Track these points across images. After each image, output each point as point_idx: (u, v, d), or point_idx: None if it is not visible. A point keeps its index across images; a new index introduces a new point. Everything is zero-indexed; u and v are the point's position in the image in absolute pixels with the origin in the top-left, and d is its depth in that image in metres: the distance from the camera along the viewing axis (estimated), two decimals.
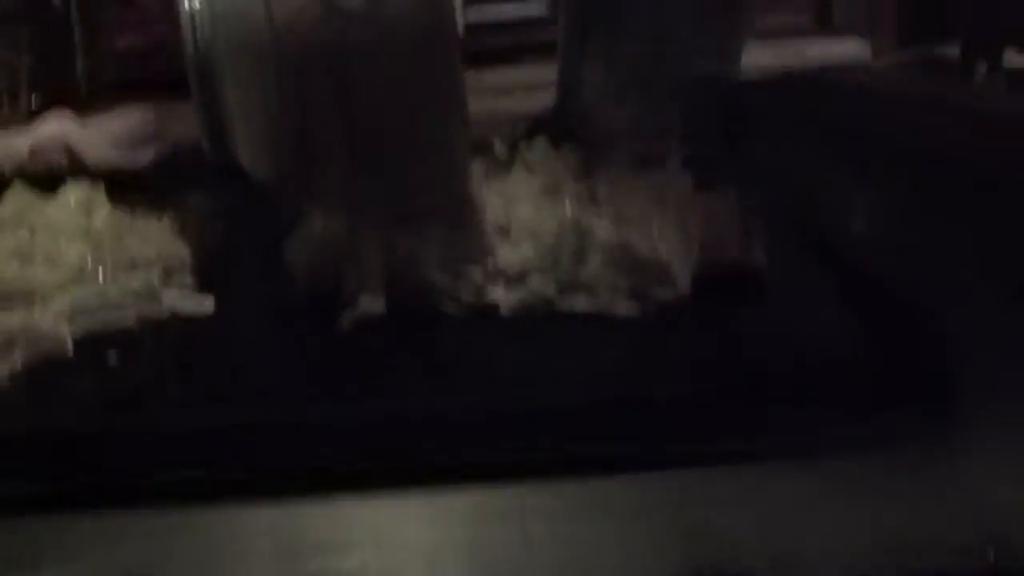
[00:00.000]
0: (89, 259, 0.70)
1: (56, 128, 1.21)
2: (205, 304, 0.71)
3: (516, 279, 0.64)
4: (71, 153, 1.13)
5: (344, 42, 0.61)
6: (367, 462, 0.55)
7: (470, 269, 0.66)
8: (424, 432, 0.56)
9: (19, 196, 0.80)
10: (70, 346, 0.63)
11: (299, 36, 0.61)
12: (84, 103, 4.63)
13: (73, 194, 0.80)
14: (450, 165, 0.66)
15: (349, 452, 0.56)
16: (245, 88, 0.63)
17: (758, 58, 1.64)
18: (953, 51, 2.17)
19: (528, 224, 0.68)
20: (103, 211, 0.78)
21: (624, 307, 0.63)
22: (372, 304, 0.67)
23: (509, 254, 0.66)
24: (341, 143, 0.64)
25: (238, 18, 0.63)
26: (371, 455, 0.55)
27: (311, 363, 0.67)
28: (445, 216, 0.68)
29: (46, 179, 0.97)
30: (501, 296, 0.64)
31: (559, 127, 0.94)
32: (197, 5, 0.64)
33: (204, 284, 0.73)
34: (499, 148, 0.79)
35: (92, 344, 0.64)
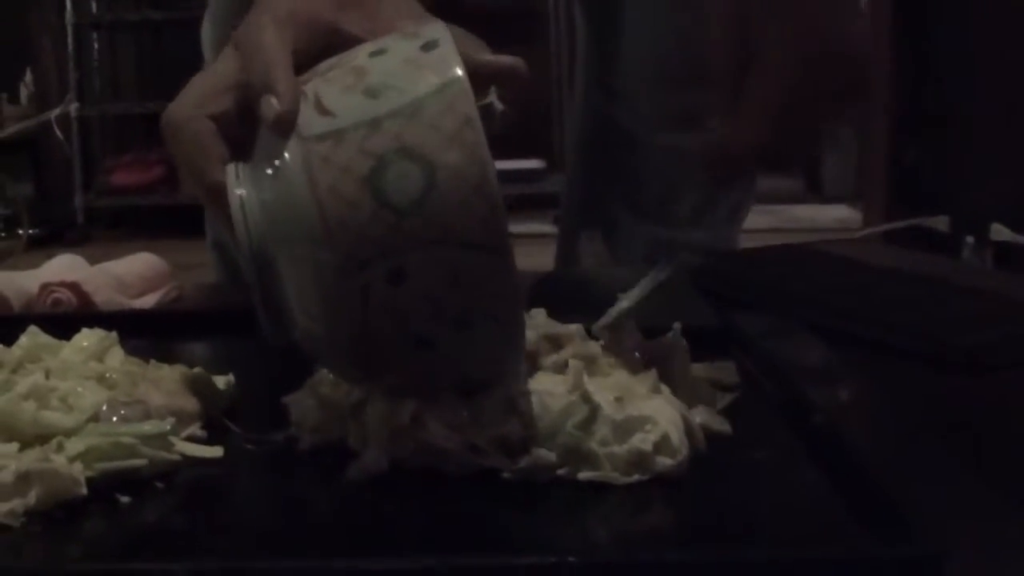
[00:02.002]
0: (104, 404, 0.72)
1: (66, 268, 1.24)
2: (215, 452, 0.73)
3: (520, 447, 0.66)
4: (80, 293, 1.16)
5: (396, 237, 0.62)
6: None
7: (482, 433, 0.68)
8: None
9: (35, 337, 0.82)
10: (84, 487, 0.65)
11: (351, 232, 0.62)
12: (81, 237, 4.66)
13: (87, 339, 0.82)
14: (505, 346, 0.69)
15: None
16: (301, 280, 0.65)
17: (752, 222, 1.69)
18: (942, 223, 2.22)
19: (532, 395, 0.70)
20: (116, 356, 0.80)
21: (625, 477, 0.65)
22: (376, 461, 0.69)
23: (513, 423, 0.68)
24: (398, 332, 0.65)
25: (288, 210, 0.64)
26: None
27: (311, 515, 0.69)
28: (493, 386, 0.70)
29: (57, 320, 1.00)
30: (504, 462, 0.66)
31: (559, 295, 0.97)
32: (245, 194, 0.66)
33: (214, 432, 0.75)
34: None
35: (105, 486, 0.66)
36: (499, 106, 0.95)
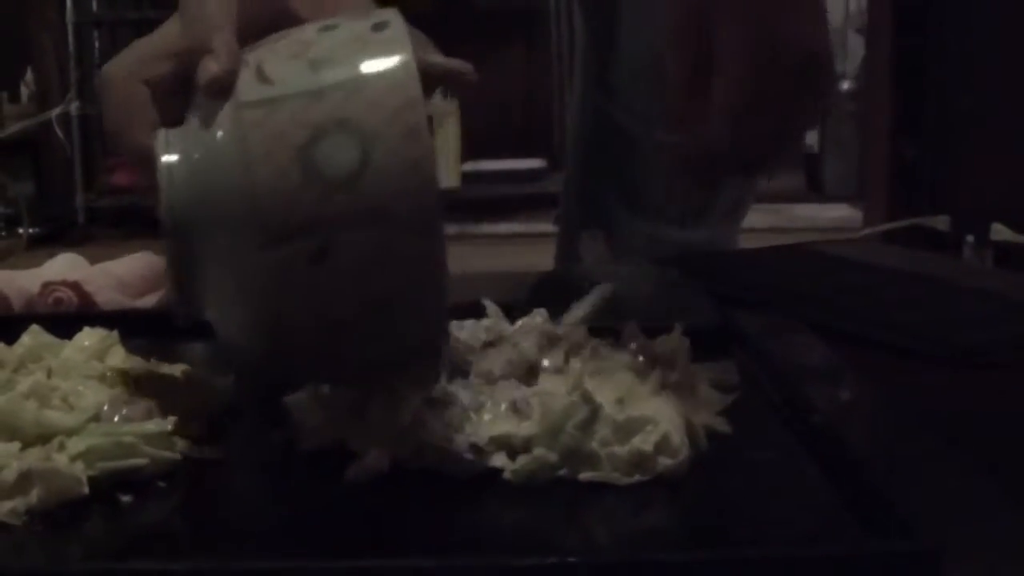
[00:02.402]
0: (105, 403, 0.72)
1: (67, 268, 1.24)
2: (216, 451, 0.73)
3: (521, 447, 0.66)
4: (81, 293, 1.16)
5: (323, 212, 0.61)
6: None
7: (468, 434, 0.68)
8: None
9: (36, 337, 0.82)
10: (85, 486, 0.65)
11: (278, 202, 0.61)
12: (82, 236, 4.67)
13: (88, 338, 0.82)
14: (424, 336, 0.67)
15: None
16: (220, 255, 0.63)
17: (752, 221, 1.69)
18: (942, 222, 2.22)
19: (533, 395, 0.70)
20: (118, 356, 0.80)
21: (626, 477, 0.65)
22: (377, 461, 0.69)
23: (514, 424, 0.68)
24: (313, 313, 0.64)
25: (216, 177, 0.62)
26: None
27: (312, 515, 0.69)
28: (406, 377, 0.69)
29: (58, 319, 1.00)
30: (504, 461, 0.66)
31: (558, 294, 0.97)
32: (173, 160, 0.64)
33: (214, 431, 0.75)
34: (497, 316, 0.81)
35: (107, 485, 0.66)
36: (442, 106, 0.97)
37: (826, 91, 0.94)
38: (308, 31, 0.70)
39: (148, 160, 0.70)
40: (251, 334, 0.70)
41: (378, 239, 0.65)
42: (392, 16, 0.70)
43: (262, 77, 0.66)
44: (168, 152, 0.69)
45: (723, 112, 0.91)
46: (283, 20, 0.77)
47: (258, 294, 0.66)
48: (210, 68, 0.68)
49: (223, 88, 0.67)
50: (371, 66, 0.65)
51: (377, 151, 0.63)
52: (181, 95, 0.72)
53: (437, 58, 0.79)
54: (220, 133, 0.66)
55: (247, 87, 0.66)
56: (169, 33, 0.78)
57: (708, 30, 0.91)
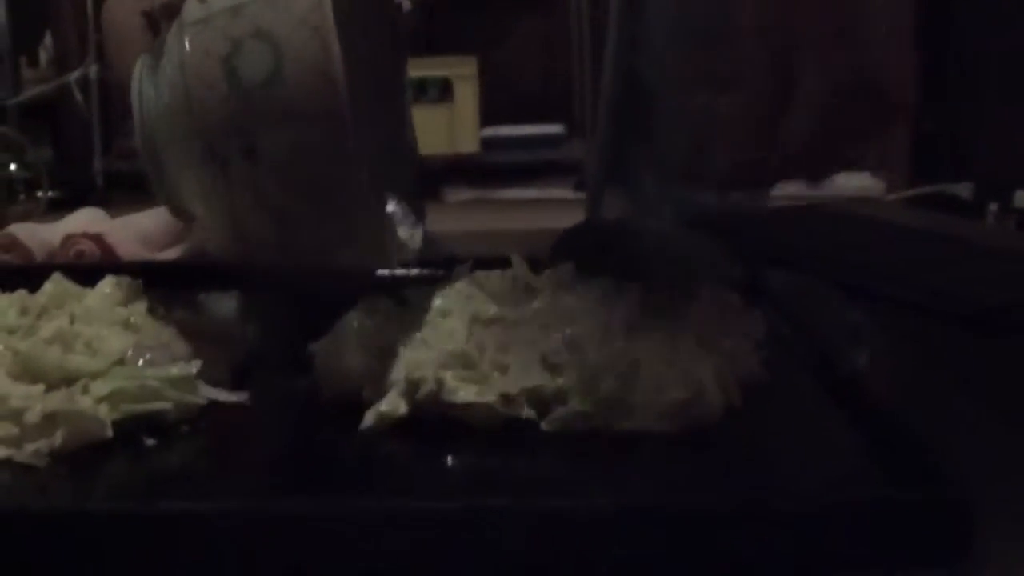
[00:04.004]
0: (129, 348, 0.71)
1: (89, 221, 1.23)
2: (240, 396, 0.72)
3: (555, 398, 0.65)
4: (103, 245, 1.15)
5: (247, 115, 0.68)
6: (388, 562, 0.56)
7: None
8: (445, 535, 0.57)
9: (59, 284, 0.82)
10: (109, 429, 0.64)
11: (211, 112, 0.67)
12: (100, 199, 4.67)
13: (111, 286, 0.82)
14: (359, 216, 0.73)
15: (371, 551, 0.57)
16: (180, 165, 0.70)
17: (774, 190, 1.67)
18: (965, 189, 2.21)
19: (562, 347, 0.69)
20: (141, 304, 0.80)
21: (662, 425, 0.65)
22: (394, 407, 0.69)
23: (545, 375, 0.67)
24: (259, 207, 0.70)
25: (168, 95, 0.69)
26: (396, 556, 0.56)
27: (334, 459, 0.69)
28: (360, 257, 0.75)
29: (80, 269, 0.99)
30: (533, 414, 0.66)
31: (587, 246, 0.96)
32: (143, 85, 0.71)
33: (238, 377, 0.74)
34: (522, 269, 0.80)
35: (131, 428, 0.66)
36: (408, 4, 0.98)
37: (892, 123, 0.92)
38: None
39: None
40: (216, 227, 0.78)
41: (295, 136, 0.71)
42: None
43: None
44: (140, 76, 0.76)
45: (796, 139, 0.89)
46: None
47: (210, 194, 0.74)
48: None
49: (171, 12, 0.74)
50: None
51: (287, 55, 0.70)
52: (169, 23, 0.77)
53: None
54: (170, 54, 0.74)
55: (189, 9, 0.74)
56: None
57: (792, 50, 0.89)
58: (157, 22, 0.78)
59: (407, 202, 0.89)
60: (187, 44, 0.72)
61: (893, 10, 0.87)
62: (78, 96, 5.00)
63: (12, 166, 4.17)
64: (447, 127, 4.23)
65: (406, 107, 0.96)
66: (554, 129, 4.55)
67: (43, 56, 5.21)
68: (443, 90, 4.22)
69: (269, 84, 0.70)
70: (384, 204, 0.79)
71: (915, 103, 2.15)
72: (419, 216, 0.88)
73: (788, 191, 1.63)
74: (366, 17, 0.88)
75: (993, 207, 2.07)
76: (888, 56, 0.85)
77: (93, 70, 4.97)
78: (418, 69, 3.85)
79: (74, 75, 5.01)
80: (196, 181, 0.74)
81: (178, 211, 0.80)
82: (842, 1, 0.86)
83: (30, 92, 5.01)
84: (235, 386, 0.77)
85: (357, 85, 0.74)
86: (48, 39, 5.16)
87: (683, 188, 1.52)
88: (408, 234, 0.84)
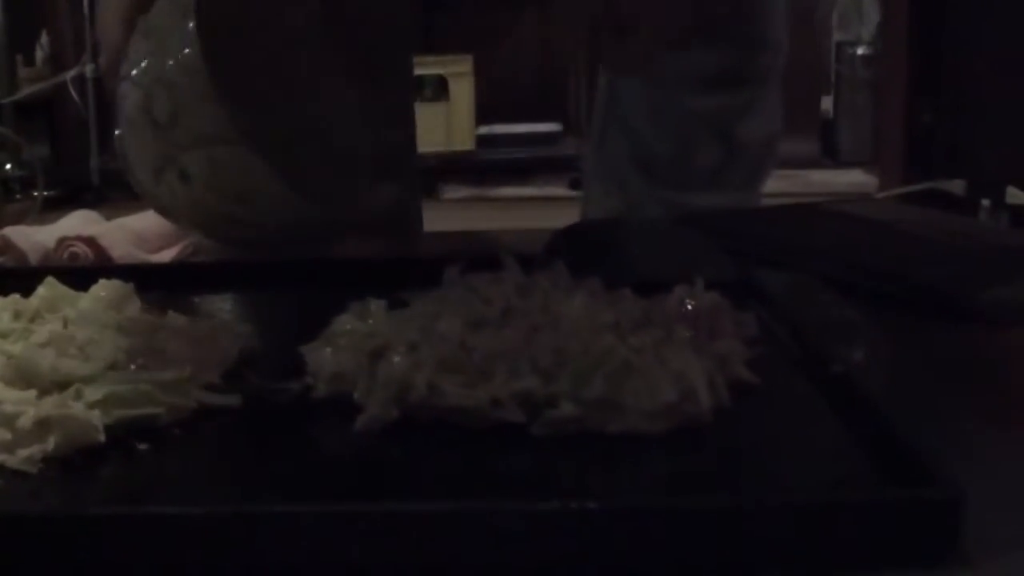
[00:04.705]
0: (122, 352, 0.72)
1: (83, 223, 1.24)
2: (232, 400, 0.73)
3: (545, 401, 0.65)
4: (97, 248, 1.16)
5: (168, 147, 0.87)
6: (381, 561, 0.56)
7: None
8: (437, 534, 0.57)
9: (52, 288, 0.82)
10: (102, 434, 0.65)
11: (147, 147, 0.87)
12: (97, 198, 4.67)
13: (104, 289, 0.82)
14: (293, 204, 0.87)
15: (363, 553, 0.57)
16: (139, 181, 0.90)
17: (767, 187, 1.68)
18: (958, 186, 2.22)
19: (552, 347, 0.69)
20: (134, 307, 0.80)
21: (653, 427, 0.65)
22: (385, 410, 0.69)
23: (535, 379, 0.67)
24: (212, 214, 0.90)
25: (125, 130, 0.89)
26: (388, 558, 0.56)
27: (327, 463, 0.69)
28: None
29: (74, 272, 0.99)
30: (522, 416, 0.66)
31: (579, 245, 0.96)
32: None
33: (230, 380, 0.75)
34: (514, 270, 0.80)
35: (123, 433, 0.66)
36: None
37: None
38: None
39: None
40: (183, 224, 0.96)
41: (207, 154, 0.82)
42: None
43: (125, 54, 0.87)
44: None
45: None
46: None
47: (171, 209, 0.90)
48: (100, 60, 0.91)
49: (110, 75, 0.90)
50: (170, 22, 0.84)
51: (177, 93, 0.82)
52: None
53: None
54: (117, 101, 0.88)
55: (123, 65, 0.87)
56: None
57: None
58: None
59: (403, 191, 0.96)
60: (122, 95, 0.86)
61: None
62: (74, 95, 5.01)
63: (8, 165, 4.16)
64: (443, 125, 4.24)
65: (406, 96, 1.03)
66: (550, 127, 4.56)
67: (39, 55, 5.21)
68: (439, 88, 4.23)
69: (174, 119, 0.82)
70: (376, 185, 0.88)
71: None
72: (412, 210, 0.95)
73: (774, 188, 1.62)
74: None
75: (986, 203, 2.08)
76: None
77: (89, 69, 4.97)
78: (415, 67, 3.86)
79: (70, 74, 5.01)
80: (152, 197, 0.89)
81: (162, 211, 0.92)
82: None
83: (26, 91, 5.01)
84: (228, 388, 0.77)
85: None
86: (44, 38, 5.17)
87: (670, 192, 1.52)
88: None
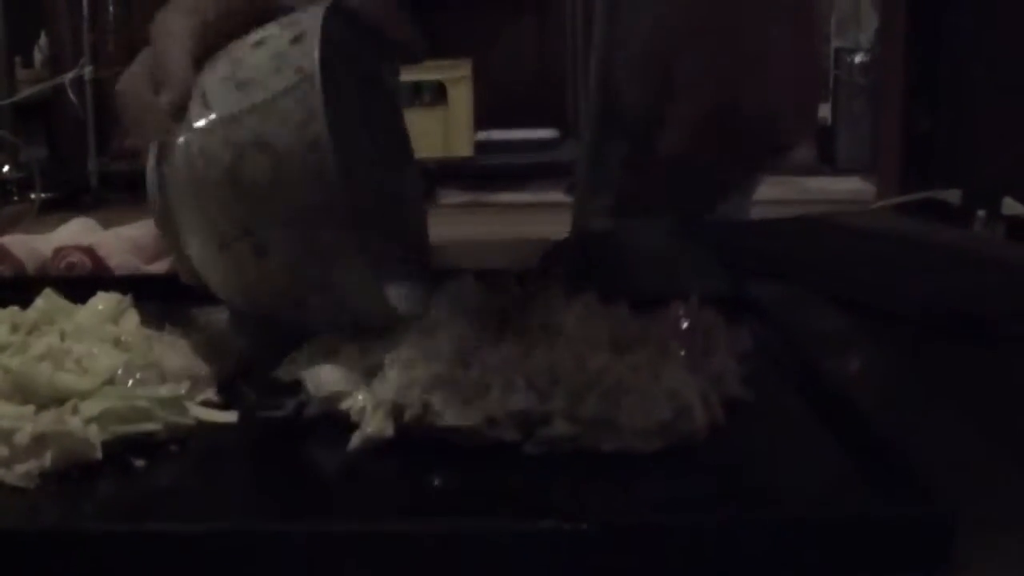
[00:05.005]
0: (119, 367, 0.72)
1: (80, 232, 1.24)
2: (228, 416, 0.73)
3: (540, 419, 0.66)
4: (95, 257, 1.16)
5: (253, 218, 0.73)
6: None
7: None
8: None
9: (50, 300, 0.82)
10: (99, 450, 0.65)
11: (219, 212, 0.74)
12: (95, 200, 4.67)
13: (102, 302, 0.82)
14: (367, 302, 0.78)
15: (358, 572, 0.57)
16: (193, 247, 0.77)
17: (764, 193, 1.68)
18: (954, 195, 2.22)
19: (547, 365, 0.69)
20: (132, 320, 0.80)
21: (648, 444, 0.65)
22: (380, 429, 0.69)
23: (531, 397, 0.68)
24: (273, 295, 0.78)
25: (179, 189, 0.77)
26: (382, 573, 0.56)
27: (322, 480, 0.69)
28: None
29: (72, 283, 0.99)
30: (518, 435, 0.66)
31: (575, 258, 0.97)
32: (155, 171, 0.76)
33: (227, 396, 0.75)
34: (509, 286, 0.80)
35: (120, 449, 0.66)
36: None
37: (782, 149, 0.88)
38: (244, 47, 0.79)
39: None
40: (234, 302, 0.84)
41: (300, 235, 0.74)
42: (309, 24, 0.77)
43: (204, 102, 0.77)
44: (154, 164, 0.80)
45: (664, 159, 0.86)
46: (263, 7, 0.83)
47: (228, 283, 0.80)
48: (163, 99, 0.79)
49: (176, 114, 0.78)
50: (283, 84, 0.74)
51: (286, 163, 0.73)
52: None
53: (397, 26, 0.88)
54: (178, 152, 0.78)
55: (194, 112, 0.78)
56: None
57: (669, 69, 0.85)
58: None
59: (410, 263, 0.91)
60: (195, 149, 0.77)
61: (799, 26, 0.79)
62: (72, 97, 5.00)
63: (5, 167, 4.16)
64: (441, 130, 4.24)
65: (410, 160, 0.98)
66: (547, 133, 4.55)
67: (37, 56, 5.21)
68: (437, 93, 4.23)
69: (271, 190, 0.74)
70: (382, 276, 0.81)
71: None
72: (421, 278, 0.90)
73: (771, 195, 1.62)
74: (358, 91, 0.92)
75: (981, 213, 2.08)
76: (780, 78, 0.79)
77: (88, 71, 4.97)
78: (412, 73, 3.86)
79: (69, 76, 5.01)
80: (208, 266, 0.80)
81: (189, 268, 0.83)
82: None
83: (24, 93, 5.01)
84: (224, 404, 0.77)
85: (355, 163, 0.81)
86: (43, 39, 5.16)
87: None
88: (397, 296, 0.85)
